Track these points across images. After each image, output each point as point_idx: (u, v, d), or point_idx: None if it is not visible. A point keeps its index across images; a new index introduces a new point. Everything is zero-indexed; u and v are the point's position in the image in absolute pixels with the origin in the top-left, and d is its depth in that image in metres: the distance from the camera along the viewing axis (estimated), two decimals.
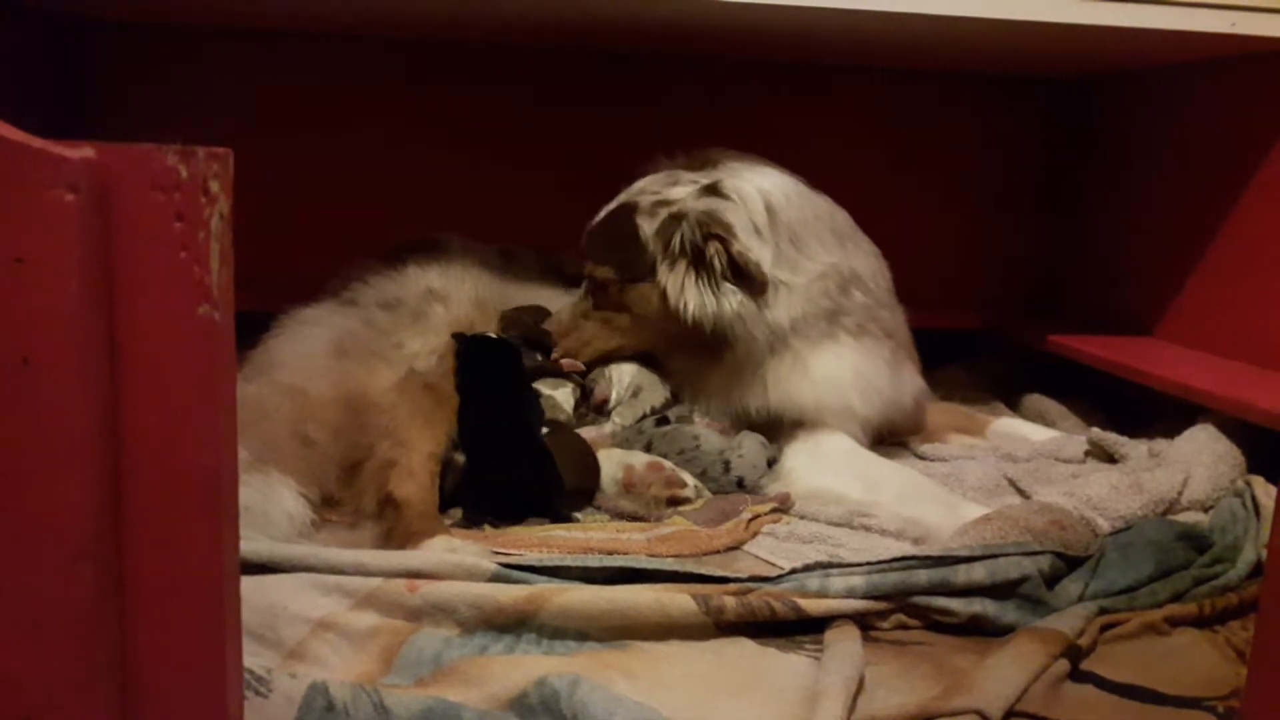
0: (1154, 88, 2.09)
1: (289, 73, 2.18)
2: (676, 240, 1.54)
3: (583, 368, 1.65)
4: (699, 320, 1.54)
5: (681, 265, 1.54)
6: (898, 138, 2.40)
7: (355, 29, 2.11)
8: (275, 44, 2.15)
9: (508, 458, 1.40)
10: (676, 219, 1.55)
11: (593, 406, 1.63)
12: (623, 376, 1.64)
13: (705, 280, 1.53)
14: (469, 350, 1.51)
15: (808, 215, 1.61)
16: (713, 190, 1.56)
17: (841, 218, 1.70)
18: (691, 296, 1.53)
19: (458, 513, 1.41)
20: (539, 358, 1.63)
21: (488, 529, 1.35)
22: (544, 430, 1.49)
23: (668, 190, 1.60)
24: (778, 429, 1.61)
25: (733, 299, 1.53)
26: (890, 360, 1.68)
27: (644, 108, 2.27)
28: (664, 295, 1.56)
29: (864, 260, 1.69)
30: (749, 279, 1.52)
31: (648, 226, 1.58)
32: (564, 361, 1.64)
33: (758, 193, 1.57)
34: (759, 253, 1.53)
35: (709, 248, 1.51)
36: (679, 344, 1.62)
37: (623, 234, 1.60)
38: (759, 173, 1.62)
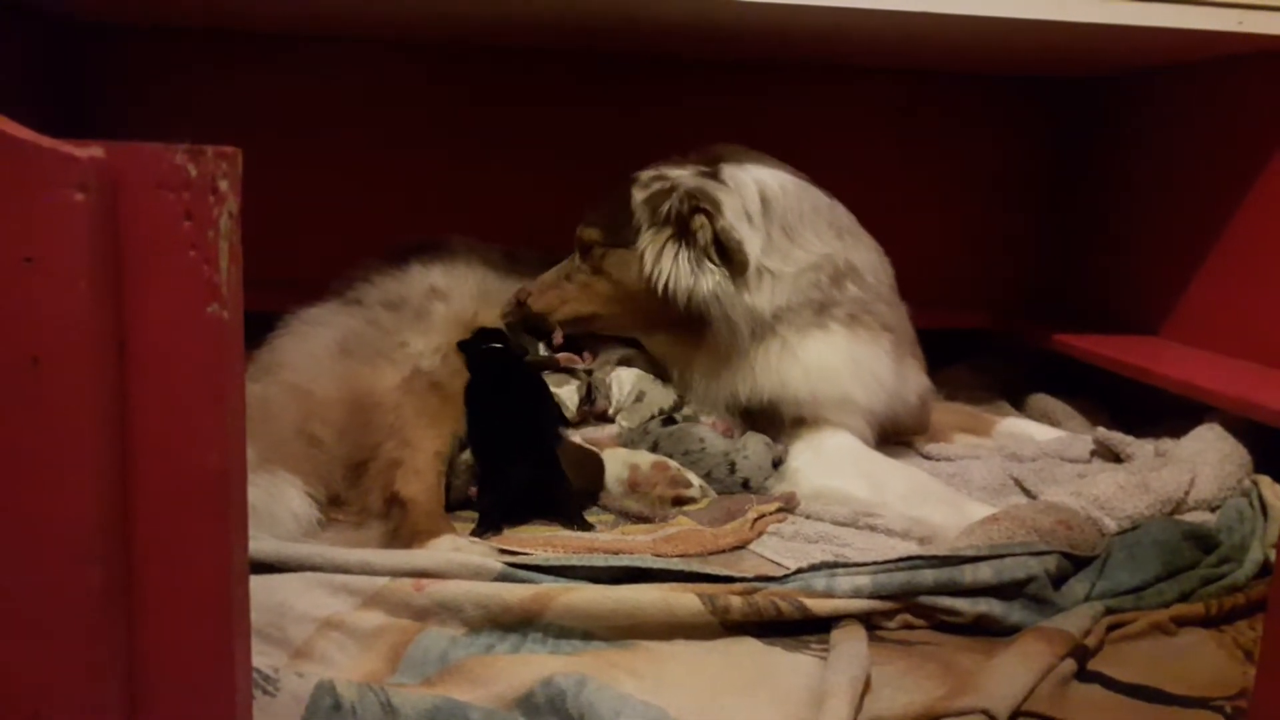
0: (1160, 87, 2.08)
1: (291, 74, 2.18)
2: (664, 209, 1.56)
3: (581, 361, 1.65)
4: (673, 293, 1.54)
5: (664, 234, 1.56)
6: (904, 138, 2.40)
7: (355, 30, 2.11)
8: (277, 45, 2.15)
9: (517, 464, 1.39)
10: (667, 191, 1.57)
11: (595, 414, 1.63)
12: (624, 383, 1.64)
13: (687, 254, 1.54)
14: (477, 358, 1.51)
15: (805, 207, 1.62)
16: (710, 175, 1.58)
17: (842, 213, 1.70)
18: (667, 265, 1.54)
19: (464, 513, 1.41)
20: (541, 348, 1.63)
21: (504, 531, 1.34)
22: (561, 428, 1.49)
23: (670, 170, 1.62)
24: (777, 423, 1.61)
25: (711, 277, 1.53)
26: (891, 353, 1.66)
27: (648, 108, 2.27)
28: (642, 261, 1.57)
29: (863, 254, 1.68)
30: (731, 260, 1.53)
31: (639, 195, 1.60)
32: (561, 356, 1.64)
33: (754, 182, 1.58)
34: (746, 236, 1.54)
35: (694, 220, 1.53)
36: (657, 321, 1.62)
37: (617, 202, 1.63)
38: (760, 166, 1.63)
